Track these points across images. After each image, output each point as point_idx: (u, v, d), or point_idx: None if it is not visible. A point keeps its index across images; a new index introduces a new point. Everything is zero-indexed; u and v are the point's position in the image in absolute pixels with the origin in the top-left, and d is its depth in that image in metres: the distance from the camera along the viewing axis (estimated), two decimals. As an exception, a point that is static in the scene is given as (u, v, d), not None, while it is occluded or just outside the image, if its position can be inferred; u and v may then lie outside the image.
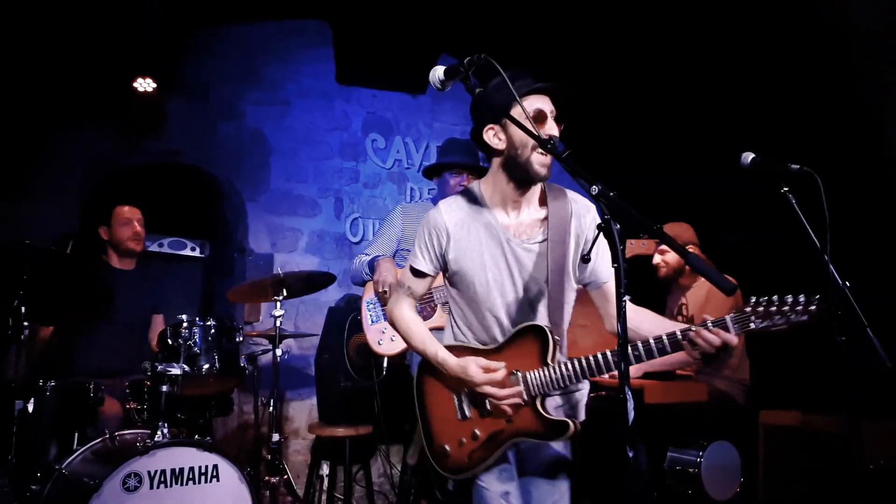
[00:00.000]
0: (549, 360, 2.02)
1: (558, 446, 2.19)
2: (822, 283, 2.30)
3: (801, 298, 1.78)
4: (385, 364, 4.04)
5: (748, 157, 2.59)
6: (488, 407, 2.09)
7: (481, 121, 2.13)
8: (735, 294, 1.77)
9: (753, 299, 1.81)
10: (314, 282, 3.88)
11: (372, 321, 3.60)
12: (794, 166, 2.44)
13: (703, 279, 3.90)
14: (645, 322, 2.13)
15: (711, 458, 3.42)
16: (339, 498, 4.62)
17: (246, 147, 5.05)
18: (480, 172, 3.76)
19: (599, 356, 1.99)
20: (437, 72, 1.94)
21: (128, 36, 4.30)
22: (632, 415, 1.44)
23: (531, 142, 2.01)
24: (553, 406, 2.14)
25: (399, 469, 4.89)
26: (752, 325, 1.80)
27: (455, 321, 2.28)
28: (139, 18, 4.17)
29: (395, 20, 4.68)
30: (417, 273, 2.24)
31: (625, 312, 1.58)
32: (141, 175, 4.92)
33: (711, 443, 3.45)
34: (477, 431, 2.11)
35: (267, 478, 3.64)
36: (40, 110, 4.38)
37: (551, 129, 2.06)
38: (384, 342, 3.54)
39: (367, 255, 3.69)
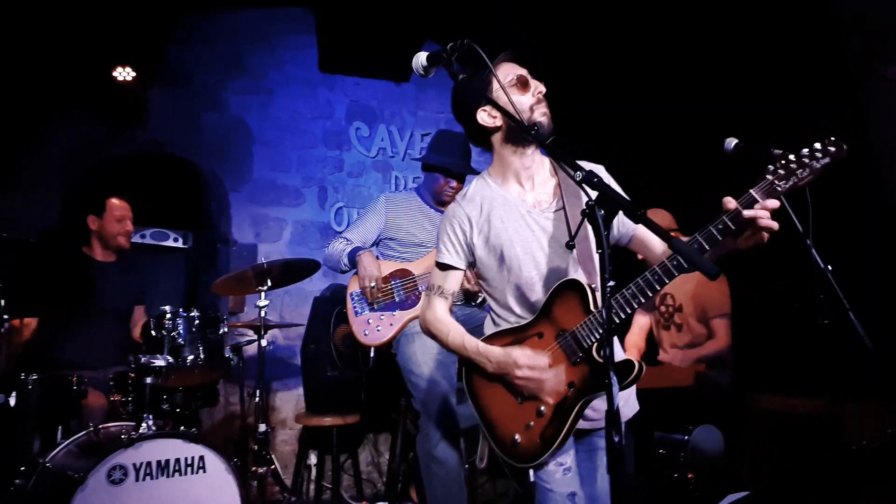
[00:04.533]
0: (591, 309, 1.97)
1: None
2: (804, 267, 2.32)
3: (817, 144, 1.76)
4: (372, 354, 4.04)
5: (731, 142, 2.59)
6: (526, 394, 2.02)
7: (471, 106, 2.11)
8: (719, 278, 1.77)
9: (770, 167, 1.78)
10: (297, 270, 3.86)
11: (357, 313, 3.58)
12: (776, 151, 2.45)
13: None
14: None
15: (697, 441, 3.45)
16: (327, 487, 4.62)
17: (229, 137, 5.00)
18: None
19: (640, 279, 1.91)
20: (420, 58, 1.93)
21: (110, 25, 4.24)
22: (617, 399, 1.44)
23: (528, 102, 2.04)
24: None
25: (387, 457, 4.90)
26: (779, 188, 1.77)
27: (494, 313, 2.22)
28: (122, 6, 4.11)
29: (379, 7, 4.64)
30: (445, 267, 2.19)
31: (609, 298, 1.57)
32: (123, 165, 4.87)
33: (697, 426, 3.48)
34: (541, 408, 2.01)
35: (254, 468, 3.63)
36: (21, 102, 4.32)
37: (538, 88, 2.07)
38: (370, 333, 3.53)
39: (345, 239, 3.65)
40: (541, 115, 2.05)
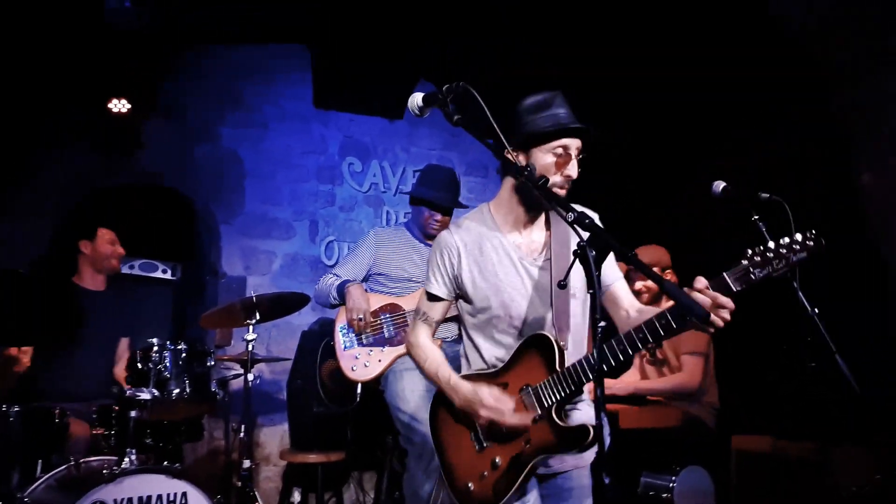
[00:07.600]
0: (556, 368, 1.97)
1: (583, 477, 2.13)
2: (791, 309, 2.34)
3: (798, 237, 1.73)
4: (359, 390, 4.00)
5: (719, 185, 2.65)
6: (504, 430, 2.02)
7: (510, 137, 2.07)
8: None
9: (749, 251, 1.76)
10: (286, 303, 3.83)
11: (345, 347, 3.56)
12: (763, 195, 2.50)
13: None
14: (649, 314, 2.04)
15: (684, 483, 3.43)
16: (311, 526, 4.54)
17: (222, 169, 5.02)
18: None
19: (605, 347, 1.88)
20: (416, 98, 1.96)
21: (107, 57, 4.28)
22: (608, 441, 1.44)
23: (553, 169, 2.03)
24: (574, 415, 2.08)
25: (372, 496, 4.83)
26: (753, 277, 1.74)
27: (465, 350, 2.24)
28: (119, 39, 4.15)
29: (374, 46, 4.72)
30: (432, 297, 2.23)
31: (601, 337, 1.59)
32: (115, 195, 4.88)
33: (684, 468, 3.47)
34: (497, 460, 2.03)
35: (237, 505, 3.57)
36: (15, 130, 4.33)
37: (572, 169, 2.05)
38: (357, 368, 3.51)
39: (335, 275, 3.66)
40: (558, 188, 2.04)
